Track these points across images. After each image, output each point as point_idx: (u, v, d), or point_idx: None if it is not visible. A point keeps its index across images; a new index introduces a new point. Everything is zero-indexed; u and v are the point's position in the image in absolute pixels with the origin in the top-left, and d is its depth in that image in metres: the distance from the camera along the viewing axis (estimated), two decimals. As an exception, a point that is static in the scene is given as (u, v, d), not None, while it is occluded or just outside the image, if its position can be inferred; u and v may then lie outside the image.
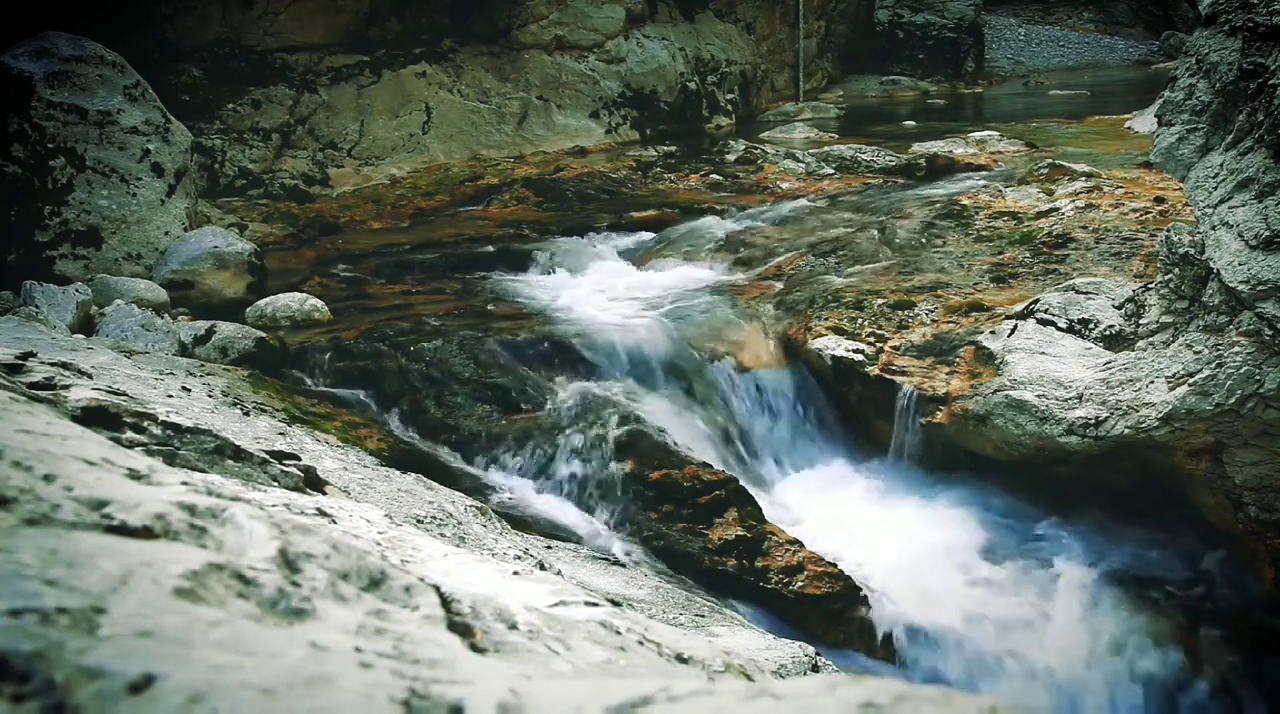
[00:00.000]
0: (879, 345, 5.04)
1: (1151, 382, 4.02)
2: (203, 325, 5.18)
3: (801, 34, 13.72)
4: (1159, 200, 6.11)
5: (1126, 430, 4.03)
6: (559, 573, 2.78)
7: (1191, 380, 3.86)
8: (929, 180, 8.41)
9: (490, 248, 7.03)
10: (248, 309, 5.71)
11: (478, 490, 4.28)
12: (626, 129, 10.72)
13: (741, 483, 4.46)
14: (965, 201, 6.76)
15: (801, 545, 4.16)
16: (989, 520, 4.51)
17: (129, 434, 1.94)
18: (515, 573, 1.63)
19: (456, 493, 3.78)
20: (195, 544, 0.95)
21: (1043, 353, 4.51)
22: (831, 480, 4.93)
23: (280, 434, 3.70)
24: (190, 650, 0.71)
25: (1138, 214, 6.00)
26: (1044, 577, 4.18)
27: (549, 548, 3.57)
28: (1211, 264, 3.78)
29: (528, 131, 10.05)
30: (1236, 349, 3.75)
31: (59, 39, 6.19)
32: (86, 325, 5.08)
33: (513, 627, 1.09)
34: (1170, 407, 3.90)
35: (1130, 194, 6.33)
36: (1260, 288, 3.56)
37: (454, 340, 5.17)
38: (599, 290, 6.33)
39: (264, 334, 5.19)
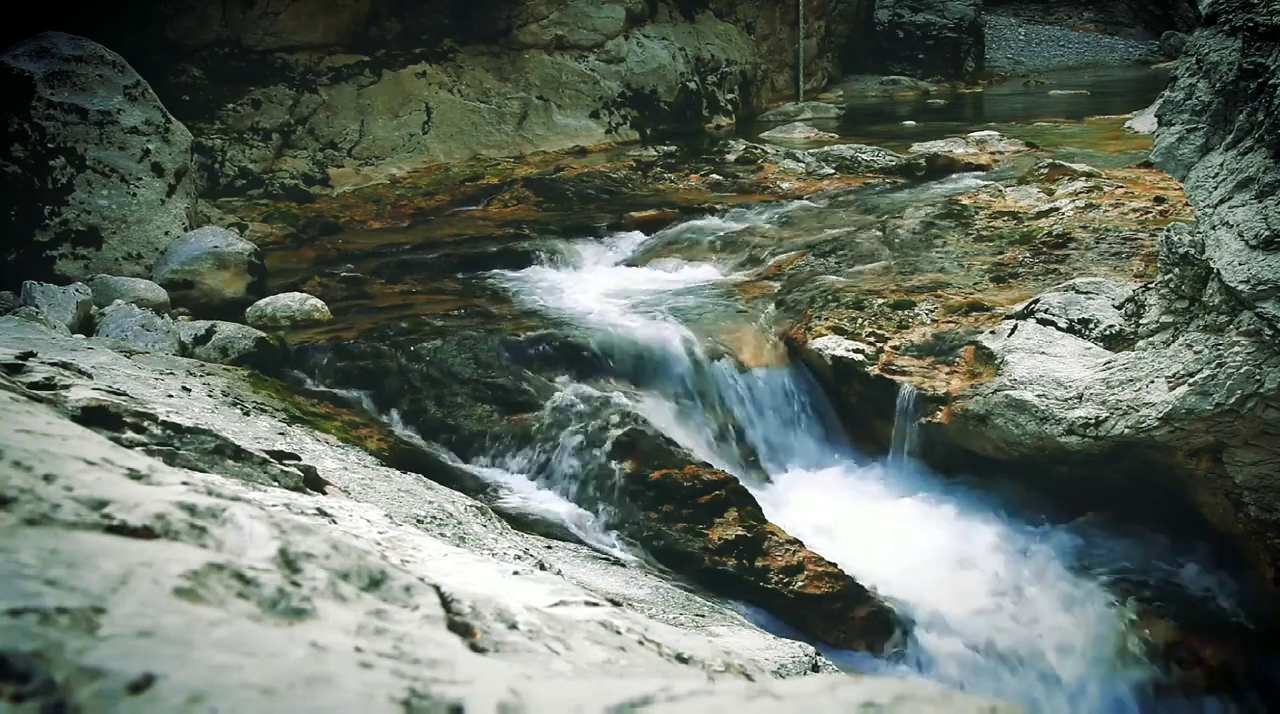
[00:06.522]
0: (879, 345, 5.04)
1: (1151, 381, 4.02)
2: (203, 325, 5.18)
3: (801, 34, 13.72)
4: (1159, 200, 6.11)
5: (1127, 430, 4.03)
6: (559, 573, 2.78)
7: (1191, 380, 3.86)
8: (929, 180, 8.41)
9: (490, 248, 7.03)
10: (248, 309, 5.70)
11: (478, 490, 4.28)
12: (626, 129, 10.72)
13: (741, 483, 4.46)
14: (965, 201, 6.76)
15: (801, 545, 4.16)
16: (989, 520, 4.50)
17: (129, 434, 1.94)
18: (515, 573, 1.64)
19: (456, 493, 3.78)
20: (195, 544, 0.95)
21: (1043, 353, 4.51)
22: (831, 480, 4.93)
23: (280, 434, 3.70)
24: (190, 650, 0.71)
25: (1138, 214, 6.00)
26: (1043, 577, 4.18)
27: (549, 548, 3.58)
28: (1211, 264, 3.78)
29: (528, 131, 10.04)
30: (1236, 349, 3.75)
31: (59, 39, 6.19)
32: (86, 325, 5.07)
33: (513, 627, 1.09)
34: (1170, 406, 3.90)
35: (1130, 194, 6.33)
36: (1260, 288, 3.56)
37: (454, 340, 5.16)
38: (599, 290, 6.33)
39: (264, 334, 5.19)
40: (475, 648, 0.97)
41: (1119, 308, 4.57)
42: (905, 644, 3.95)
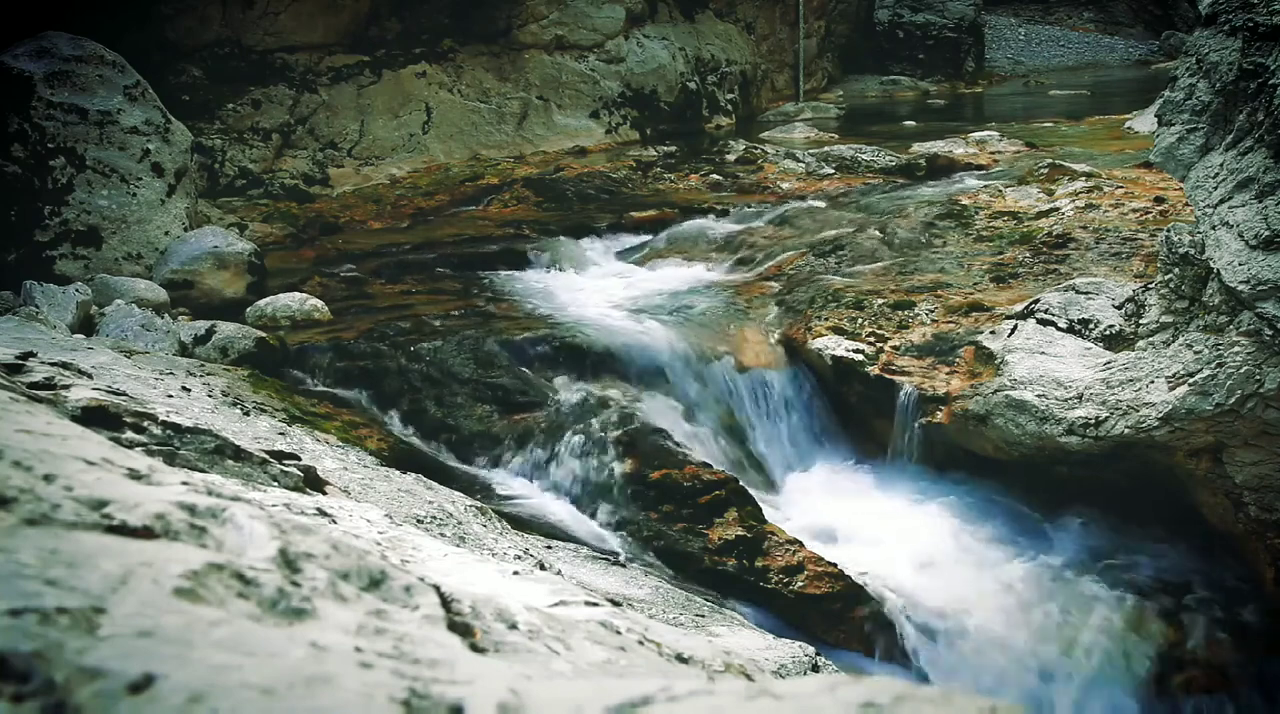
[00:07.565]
0: (879, 345, 5.04)
1: (1151, 381, 4.02)
2: (203, 325, 5.18)
3: (801, 34, 13.72)
4: (1159, 200, 6.11)
5: (1127, 430, 4.03)
6: (559, 573, 2.78)
7: (1191, 380, 3.86)
8: (929, 180, 8.41)
9: (490, 248, 7.03)
10: (248, 309, 5.70)
11: (478, 490, 4.28)
12: (626, 129, 10.72)
13: (741, 483, 4.46)
14: (965, 201, 6.75)
15: (801, 545, 4.16)
16: (989, 520, 4.50)
17: (129, 434, 1.94)
18: (515, 573, 1.64)
19: (456, 493, 3.78)
20: (195, 544, 0.95)
21: (1043, 353, 4.51)
22: (831, 480, 4.93)
23: (280, 434, 3.70)
24: (190, 650, 0.71)
25: (1138, 214, 6.00)
26: (1044, 576, 4.18)
27: (549, 548, 3.57)
28: (1211, 264, 3.78)
29: (528, 131, 10.04)
30: (1236, 349, 3.75)
31: (59, 39, 6.19)
32: (86, 325, 5.07)
33: (513, 626, 1.09)
34: (1170, 406, 3.90)
35: (1130, 194, 6.33)
36: (1260, 288, 3.56)
37: (454, 340, 5.16)
38: (599, 290, 6.33)
39: (264, 334, 5.19)
40: (475, 648, 0.97)
41: (1119, 308, 4.57)
42: (905, 644, 3.95)
